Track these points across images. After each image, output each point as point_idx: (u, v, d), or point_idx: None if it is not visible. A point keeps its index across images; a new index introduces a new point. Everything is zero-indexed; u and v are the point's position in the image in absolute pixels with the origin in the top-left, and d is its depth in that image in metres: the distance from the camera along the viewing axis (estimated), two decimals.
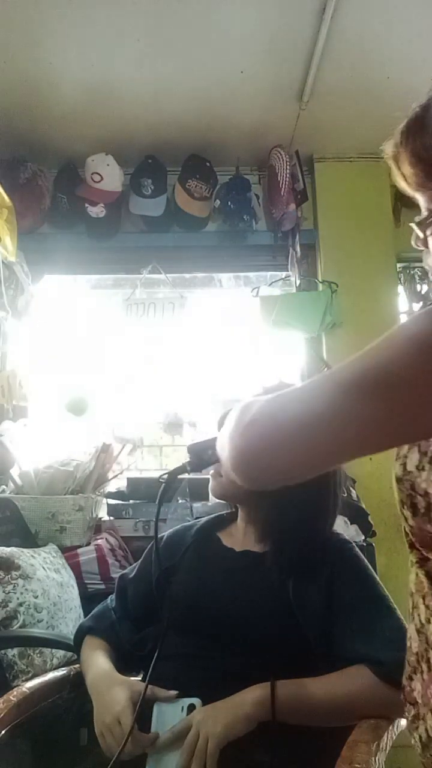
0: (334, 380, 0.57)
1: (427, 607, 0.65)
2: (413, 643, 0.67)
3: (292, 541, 1.04)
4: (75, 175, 2.29)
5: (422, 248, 0.72)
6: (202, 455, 1.00)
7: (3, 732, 0.94)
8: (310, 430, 0.57)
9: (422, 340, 0.52)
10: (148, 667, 1.07)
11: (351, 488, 1.95)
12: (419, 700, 0.65)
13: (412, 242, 0.73)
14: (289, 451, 0.60)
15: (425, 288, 2.38)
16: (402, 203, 2.29)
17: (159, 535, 1.26)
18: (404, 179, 0.72)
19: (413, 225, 0.72)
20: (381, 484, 2.11)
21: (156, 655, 1.07)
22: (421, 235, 0.71)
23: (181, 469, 1.02)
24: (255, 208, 2.30)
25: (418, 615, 0.67)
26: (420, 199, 0.71)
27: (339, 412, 0.55)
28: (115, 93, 1.98)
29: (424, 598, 0.66)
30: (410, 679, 0.67)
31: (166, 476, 1.04)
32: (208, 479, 1.20)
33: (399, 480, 0.66)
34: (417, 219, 0.71)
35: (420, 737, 0.65)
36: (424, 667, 0.65)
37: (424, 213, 0.70)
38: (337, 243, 2.33)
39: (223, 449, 0.68)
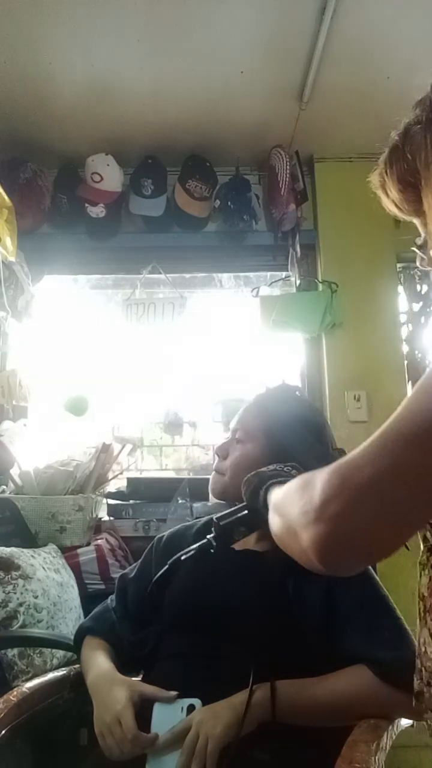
0: (392, 436, 0.54)
1: None
2: (429, 648, 0.66)
3: None
4: (75, 175, 2.29)
5: (430, 268, 0.74)
6: (231, 533, 0.98)
7: (3, 732, 0.93)
8: (391, 491, 0.53)
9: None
10: (149, 667, 1.08)
11: None
12: None
13: (418, 263, 0.74)
14: (377, 522, 0.54)
15: (425, 288, 2.38)
16: None
17: (159, 535, 1.27)
18: (396, 206, 0.74)
19: (415, 249, 0.73)
20: None
21: (156, 655, 1.07)
22: (424, 257, 0.72)
23: (207, 546, 1.00)
24: (255, 208, 2.30)
25: None
26: (417, 222, 0.73)
27: (409, 465, 0.52)
28: (115, 93, 1.99)
29: None
30: (429, 685, 0.66)
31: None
32: (208, 479, 1.21)
33: None
34: (418, 242, 0.72)
35: None
36: None
37: (423, 236, 0.71)
38: (337, 243, 2.33)
39: (293, 539, 0.61)
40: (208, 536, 1.00)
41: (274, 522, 0.72)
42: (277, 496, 0.78)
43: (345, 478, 0.55)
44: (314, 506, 0.57)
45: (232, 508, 1.01)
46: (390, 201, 0.74)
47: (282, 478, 0.90)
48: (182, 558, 1.03)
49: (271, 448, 1.10)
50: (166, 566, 1.09)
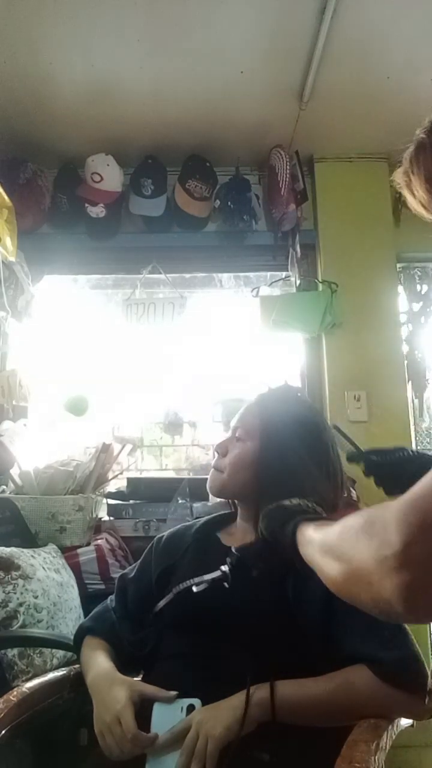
0: None
1: None
2: None
3: None
4: (75, 175, 2.29)
5: None
6: (249, 567, 0.94)
7: (3, 732, 0.93)
8: None
9: None
10: (149, 667, 1.08)
11: (351, 488, 1.95)
12: None
13: None
14: None
15: (425, 288, 2.39)
16: (402, 203, 2.28)
17: (159, 535, 1.27)
18: (423, 207, 0.70)
19: None
20: None
21: (156, 655, 1.07)
22: None
23: (222, 578, 0.97)
24: (255, 208, 2.30)
25: None
26: None
27: None
28: (115, 93, 1.99)
29: None
30: None
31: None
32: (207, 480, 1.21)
33: None
34: None
35: None
36: None
37: None
38: (337, 243, 2.33)
39: (366, 587, 0.55)
40: (222, 567, 0.96)
41: (331, 567, 0.66)
42: (326, 537, 0.71)
43: (427, 515, 0.49)
44: (394, 550, 0.51)
45: (250, 542, 0.97)
46: (416, 201, 0.70)
47: (310, 515, 0.86)
48: (194, 590, 1.00)
49: (270, 448, 1.10)
50: (171, 595, 1.07)
